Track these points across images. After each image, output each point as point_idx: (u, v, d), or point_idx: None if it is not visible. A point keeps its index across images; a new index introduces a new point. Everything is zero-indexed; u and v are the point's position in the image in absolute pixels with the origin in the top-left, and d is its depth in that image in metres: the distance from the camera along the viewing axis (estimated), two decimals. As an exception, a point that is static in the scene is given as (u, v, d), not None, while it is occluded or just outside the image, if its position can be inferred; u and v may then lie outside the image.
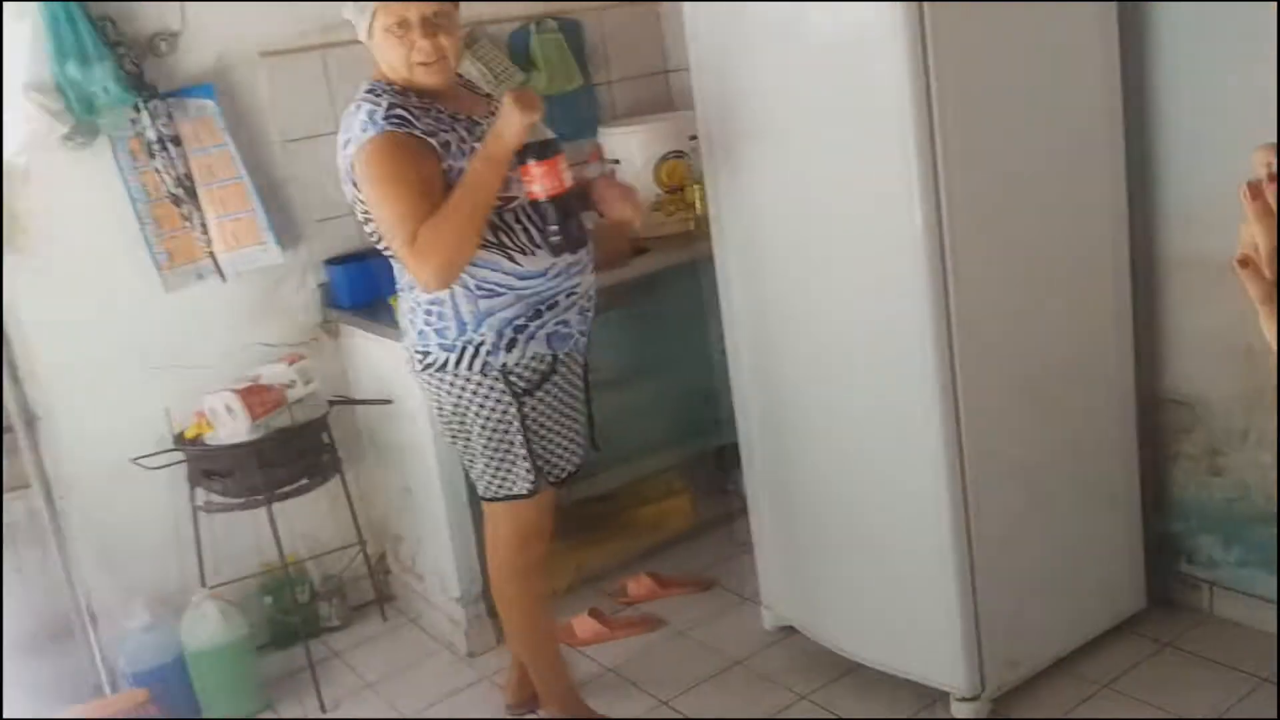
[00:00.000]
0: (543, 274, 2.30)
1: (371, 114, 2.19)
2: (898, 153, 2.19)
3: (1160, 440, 2.69)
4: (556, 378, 2.38)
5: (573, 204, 2.24)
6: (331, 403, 3.09)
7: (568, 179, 2.22)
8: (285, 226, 3.18)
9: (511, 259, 2.27)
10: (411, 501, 3.18)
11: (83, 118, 2.76)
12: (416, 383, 2.47)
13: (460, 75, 2.48)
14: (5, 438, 2.90)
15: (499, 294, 2.28)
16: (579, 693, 2.67)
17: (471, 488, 3.02)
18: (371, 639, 3.24)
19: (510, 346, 2.30)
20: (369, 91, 2.25)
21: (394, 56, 2.23)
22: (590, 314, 2.46)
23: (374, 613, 3.34)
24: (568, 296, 2.35)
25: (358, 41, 3.15)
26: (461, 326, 2.29)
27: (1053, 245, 2.43)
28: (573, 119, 3.59)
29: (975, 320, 2.29)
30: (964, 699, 2.44)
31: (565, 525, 3.52)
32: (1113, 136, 2.49)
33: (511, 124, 2.15)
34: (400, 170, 2.16)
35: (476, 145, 2.22)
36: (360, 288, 3.17)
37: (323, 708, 2.92)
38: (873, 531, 2.51)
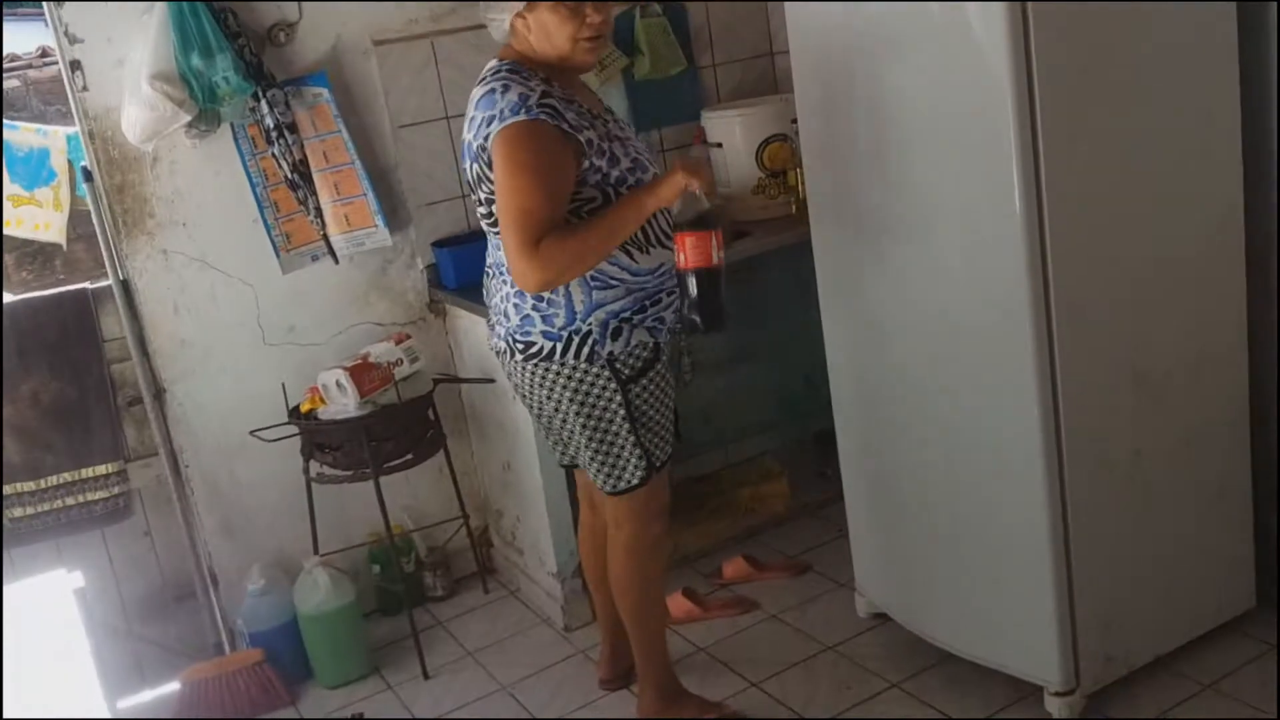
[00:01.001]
0: (653, 271, 2.31)
1: (525, 98, 2.15)
2: (1000, 134, 2.15)
3: (1274, 432, 2.60)
4: (659, 365, 2.39)
5: (718, 281, 2.18)
6: (436, 380, 3.18)
7: (717, 256, 2.17)
8: (394, 210, 3.28)
9: (630, 254, 2.28)
10: (511, 478, 3.26)
11: (205, 106, 2.89)
12: (503, 366, 2.50)
13: None
14: (134, 409, 3.08)
15: (612, 286, 2.28)
16: (675, 673, 2.70)
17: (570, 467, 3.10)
18: (473, 609, 3.35)
19: (616, 335, 2.30)
20: (512, 72, 2.21)
21: (562, 32, 2.18)
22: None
23: (476, 584, 3.45)
24: (669, 294, 2.35)
25: (465, 29, 3.27)
26: (571, 316, 2.29)
27: (1163, 233, 2.35)
28: (676, 103, 3.61)
29: (1078, 307, 2.25)
30: (1058, 693, 2.41)
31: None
32: (1229, 125, 2.40)
33: (673, 185, 2.17)
34: (542, 162, 2.15)
35: (607, 145, 2.23)
36: (465, 269, 3.25)
37: (425, 673, 3.02)
38: (970, 520, 2.49)
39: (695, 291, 2.17)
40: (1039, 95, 2.12)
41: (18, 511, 2.93)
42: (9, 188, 3.67)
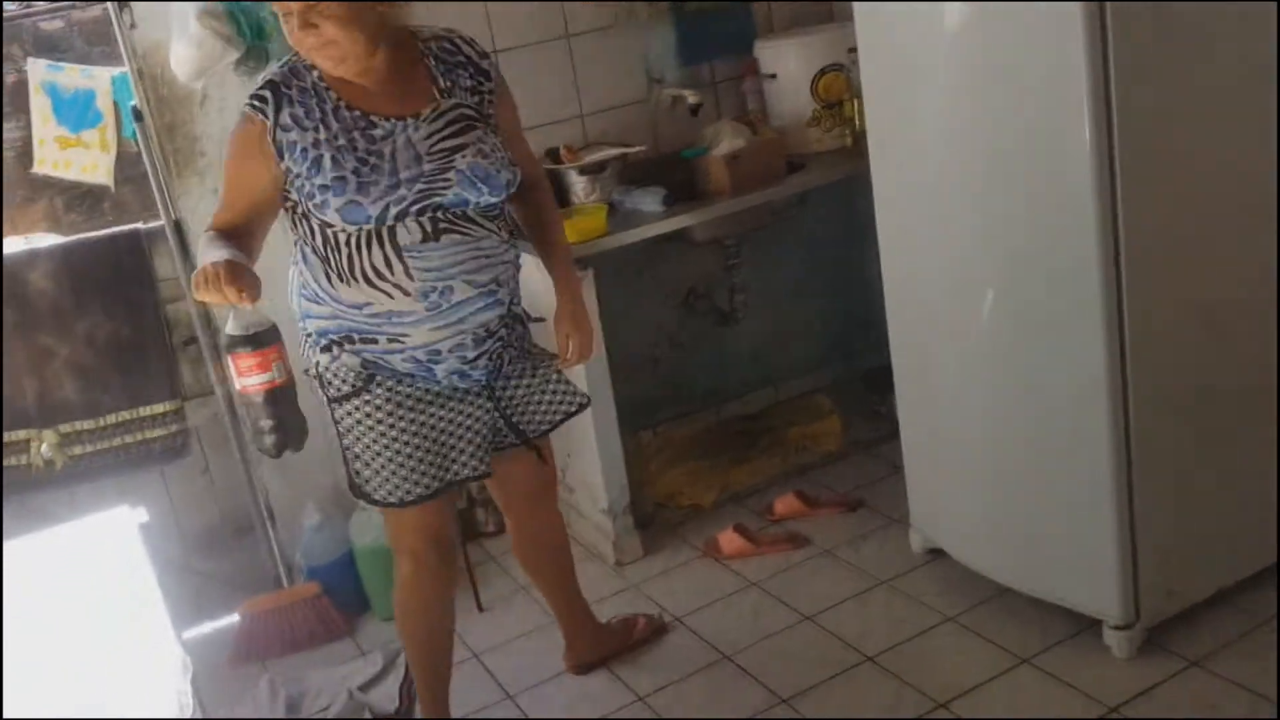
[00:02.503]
0: (358, 307, 2.09)
1: (256, 85, 2.08)
2: (1068, 67, 2.09)
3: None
4: (371, 397, 2.15)
5: (287, 399, 1.91)
6: (488, 318, 3.17)
7: (280, 374, 1.88)
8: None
9: (328, 277, 2.09)
10: (563, 415, 3.25)
11: (253, 43, 2.87)
12: None
13: (437, 59, 2.15)
14: (189, 349, 3.11)
15: (318, 302, 2.13)
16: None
17: (621, 405, 3.10)
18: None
19: (325, 350, 2.16)
20: (288, 62, 2.09)
21: (291, 39, 2.00)
22: (462, 364, 2.17)
23: (528, 522, 3.46)
24: (390, 341, 2.12)
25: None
26: (300, 314, 2.21)
27: (1231, 170, 2.28)
28: (729, 33, 3.54)
29: (1145, 243, 2.19)
30: (1117, 627, 2.39)
31: (713, 443, 3.59)
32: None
33: (200, 273, 1.86)
34: (231, 153, 2.10)
35: (323, 152, 2.01)
36: (515, 206, 3.22)
37: (479, 606, 3.06)
38: (1030, 454, 2.45)
39: (258, 415, 1.89)
40: (1111, 28, 2.05)
41: (77, 449, 2.98)
42: (56, 129, 3.69)
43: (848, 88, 3.35)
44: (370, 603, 3.12)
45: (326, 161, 2.02)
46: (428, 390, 2.18)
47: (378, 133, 2.05)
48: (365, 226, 2.03)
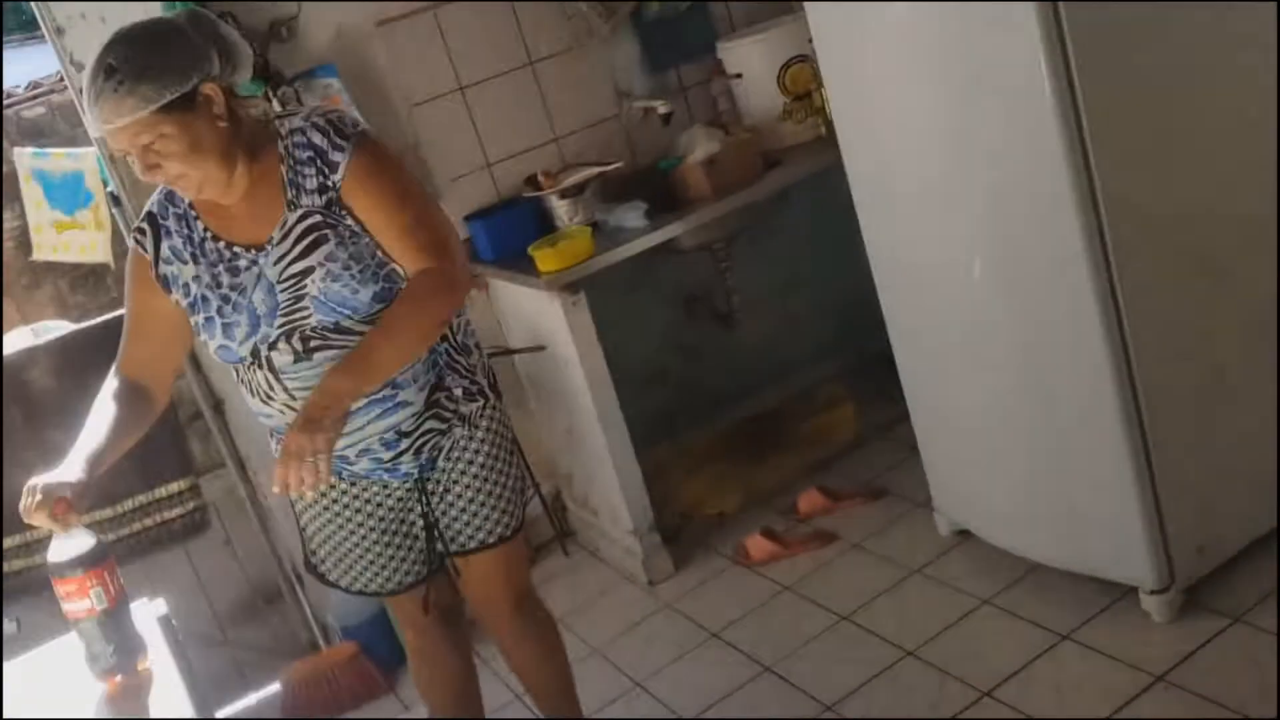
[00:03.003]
0: (268, 415, 2.02)
1: (142, 214, 1.98)
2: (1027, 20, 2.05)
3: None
4: (317, 507, 2.10)
5: (121, 620, 1.71)
6: (490, 354, 3.15)
7: (114, 591, 1.69)
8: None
9: (250, 390, 2.00)
10: (575, 441, 3.25)
11: (219, 113, 2.87)
12: None
13: (290, 160, 1.88)
14: (196, 424, 3.11)
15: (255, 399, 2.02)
16: None
17: (633, 421, 3.09)
18: (556, 575, 3.35)
19: (273, 438, 2.09)
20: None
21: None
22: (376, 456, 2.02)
23: (556, 549, 3.45)
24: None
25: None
26: None
27: (1210, 113, 2.24)
28: (690, 38, 3.51)
29: (1124, 189, 2.15)
30: (1153, 591, 2.35)
31: (731, 447, 3.57)
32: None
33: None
34: (128, 287, 1.99)
35: (221, 289, 1.90)
36: (501, 240, 3.22)
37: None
38: (1043, 425, 2.42)
39: (89, 639, 1.68)
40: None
41: (100, 538, 2.98)
42: (50, 214, 3.70)
43: (814, 77, 3.32)
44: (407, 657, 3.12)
45: (198, 299, 1.92)
46: (368, 485, 2.07)
47: (241, 263, 1.89)
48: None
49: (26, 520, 1.68)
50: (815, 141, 3.34)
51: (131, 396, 1.93)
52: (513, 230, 3.21)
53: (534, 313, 3.14)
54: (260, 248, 1.89)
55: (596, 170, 3.25)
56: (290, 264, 1.87)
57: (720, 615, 2.90)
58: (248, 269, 1.89)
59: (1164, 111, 2.19)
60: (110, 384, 1.95)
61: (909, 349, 2.73)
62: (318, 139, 1.86)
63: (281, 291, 1.88)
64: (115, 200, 3.02)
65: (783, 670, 2.62)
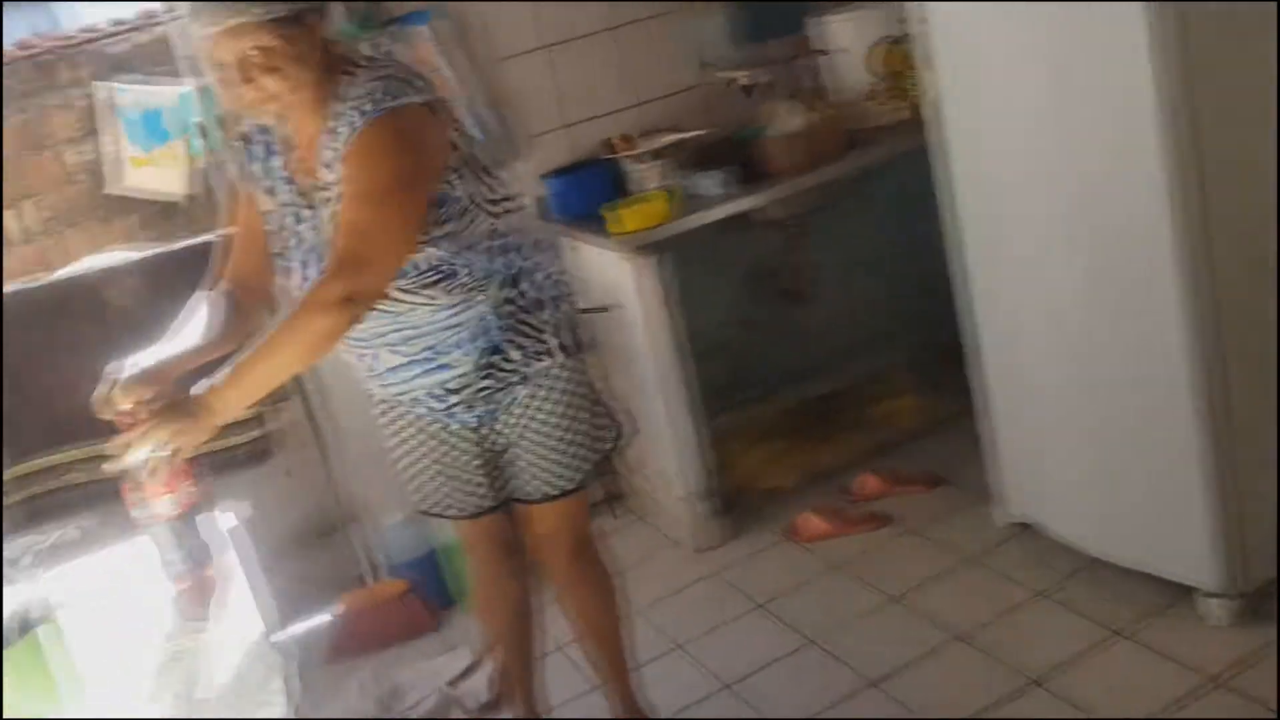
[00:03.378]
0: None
1: (238, 132, 2.01)
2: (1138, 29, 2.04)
3: None
4: (386, 419, 2.16)
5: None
6: (556, 311, 3.18)
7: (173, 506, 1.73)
8: (502, 143, 3.26)
9: None
10: (638, 404, 3.25)
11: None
12: None
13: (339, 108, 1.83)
14: (267, 355, 3.16)
15: None
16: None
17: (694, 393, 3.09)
18: (604, 536, 3.36)
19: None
20: None
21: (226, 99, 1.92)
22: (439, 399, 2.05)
23: (605, 511, 3.46)
24: (368, 371, 2.07)
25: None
26: None
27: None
28: (779, 13, 3.49)
29: (1225, 187, 2.13)
30: (1214, 595, 2.32)
31: (791, 424, 3.56)
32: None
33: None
34: (226, 201, 2.05)
35: (283, 231, 1.94)
36: (576, 199, 3.23)
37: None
38: (1115, 419, 2.40)
39: (162, 545, 1.74)
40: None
41: (164, 460, 3.04)
42: (128, 149, 3.76)
43: (904, 59, 3.29)
44: (455, 598, 3.15)
45: (274, 232, 1.96)
46: (432, 421, 2.10)
47: (304, 212, 1.91)
48: None
49: (97, 411, 1.70)
50: (901, 124, 3.31)
51: (223, 306, 1.96)
52: (589, 191, 3.23)
53: (604, 273, 3.16)
54: (310, 205, 1.90)
55: (677, 136, 3.25)
56: (320, 226, 1.88)
57: (767, 587, 2.90)
58: (305, 220, 1.91)
59: (1264, 116, 2.15)
60: (202, 294, 1.98)
61: (987, 335, 2.71)
62: (354, 114, 1.79)
63: (320, 248, 1.89)
64: (203, 131, 3.06)
65: (827, 644, 2.62)
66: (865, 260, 3.68)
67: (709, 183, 3.08)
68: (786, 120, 3.17)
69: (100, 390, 1.69)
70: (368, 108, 1.77)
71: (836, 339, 3.69)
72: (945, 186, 2.64)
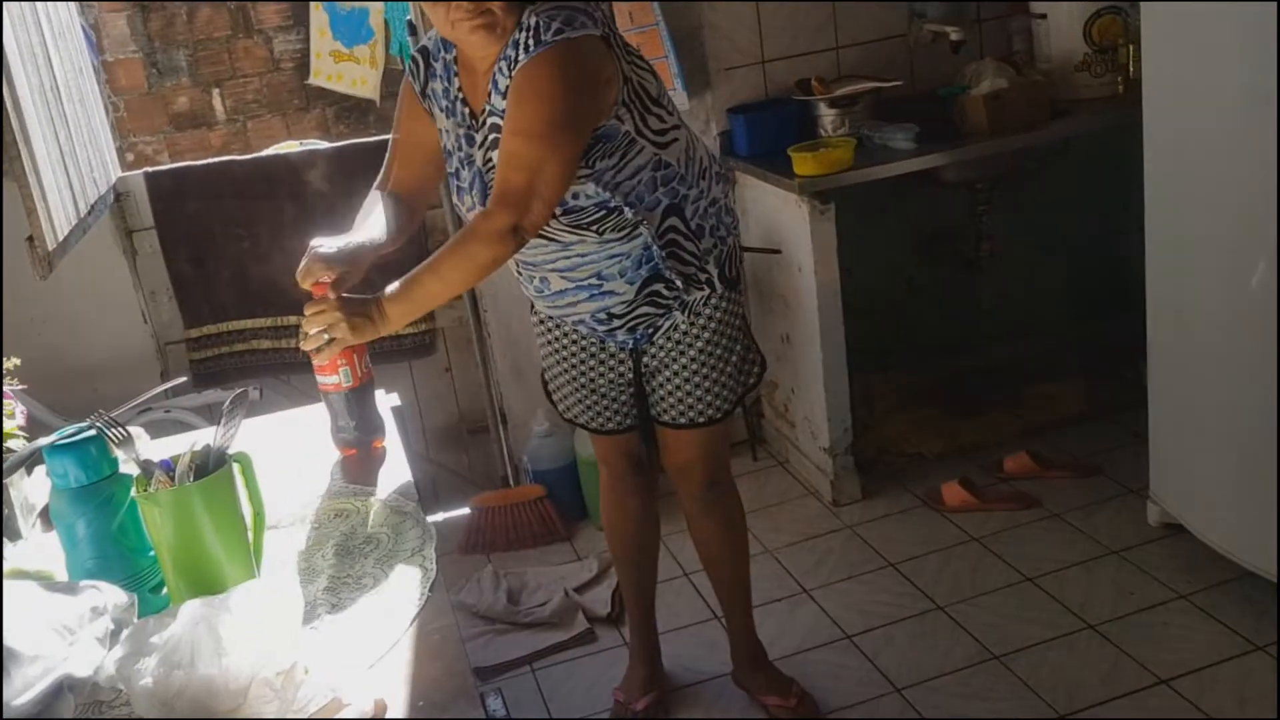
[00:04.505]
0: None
1: (418, 45, 2.03)
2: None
3: None
4: (543, 330, 2.22)
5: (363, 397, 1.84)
6: (725, 246, 3.18)
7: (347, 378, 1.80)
8: (694, 74, 3.27)
9: None
10: (790, 350, 3.26)
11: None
12: None
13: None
14: (444, 252, 3.27)
15: None
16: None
17: (851, 345, 3.07)
18: (740, 475, 3.35)
19: None
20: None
21: (434, 16, 1.83)
22: (594, 322, 2.10)
23: (745, 451, 3.49)
24: (526, 281, 2.11)
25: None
26: None
27: None
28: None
29: None
30: (1374, 628, 2.21)
31: (945, 393, 3.50)
32: None
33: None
34: (397, 113, 2.04)
35: (460, 148, 1.96)
36: (759, 137, 3.21)
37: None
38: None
39: (335, 413, 1.82)
40: None
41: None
42: (331, 44, 3.91)
43: (1124, 31, 3.15)
44: (588, 512, 3.24)
45: (447, 150, 1.99)
46: (588, 335, 2.15)
47: (475, 135, 1.94)
48: None
49: (300, 279, 1.78)
50: (1110, 99, 3.18)
51: (393, 207, 2.02)
52: (773, 130, 3.21)
53: (776, 215, 3.14)
54: (481, 129, 1.92)
55: (872, 85, 3.19)
56: (488, 152, 1.90)
57: (900, 549, 2.89)
58: (476, 144, 1.93)
59: None
60: (375, 195, 2.04)
61: (1166, 329, 2.60)
62: (530, 42, 1.78)
63: (486, 173, 1.92)
64: (411, 29, 3.15)
65: (955, 613, 2.60)
66: (1050, 236, 3.57)
67: (900, 136, 3.02)
68: (991, 80, 3.08)
69: (305, 261, 1.78)
70: (545, 37, 1.77)
71: (1005, 313, 3.60)
72: (1147, 169, 2.53)
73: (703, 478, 2.26)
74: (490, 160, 1.89)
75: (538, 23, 1.78)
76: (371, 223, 1.95)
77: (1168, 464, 2.69)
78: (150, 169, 3.11)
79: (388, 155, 2.07)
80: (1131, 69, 3.11)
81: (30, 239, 2.28)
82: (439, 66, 1.97)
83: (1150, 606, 2.51)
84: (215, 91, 4.16)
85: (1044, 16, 3.26)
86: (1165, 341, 2.62)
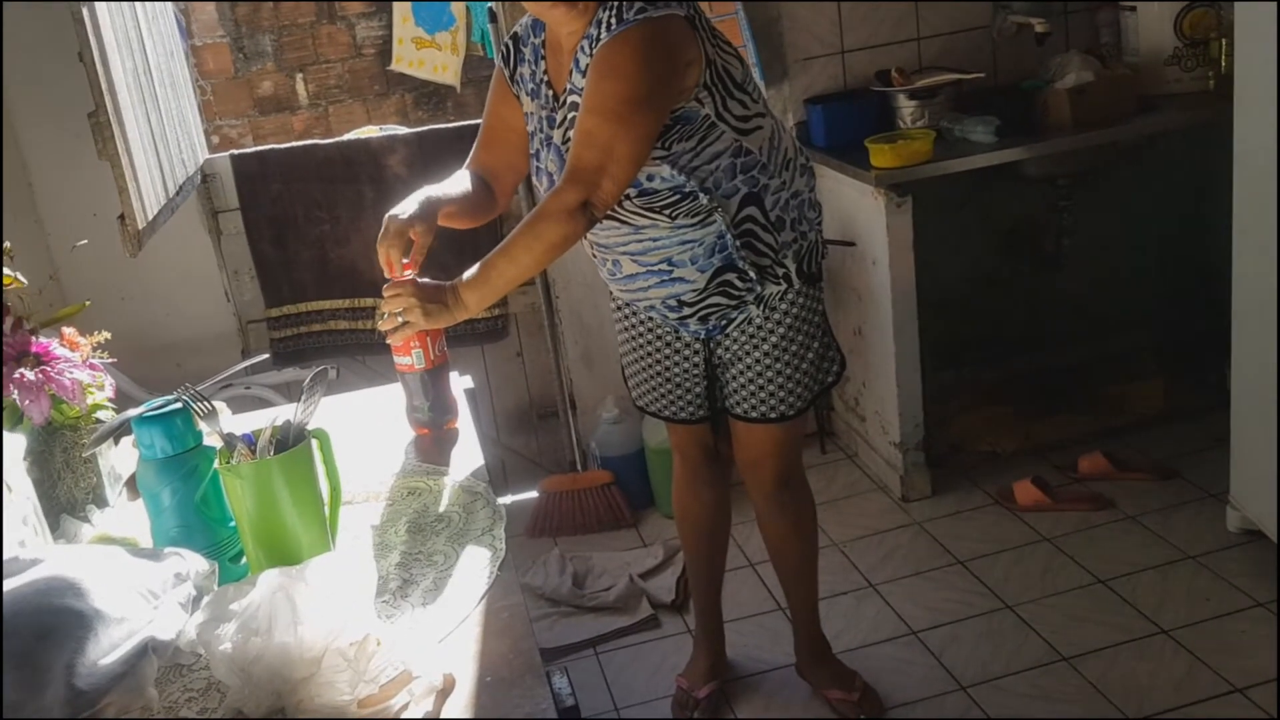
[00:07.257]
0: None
1: (509, 32, 2.05)
2: None
3: None
4: (620, 315, 2.23)
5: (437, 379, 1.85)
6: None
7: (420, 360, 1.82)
8: (771, 63, 3.26)
9: None
10: (862, 344, 3.23)
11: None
12: None
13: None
14: (518, 238, 3.30)
15: None
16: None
17: (925, 340, 3.04)
18: (808, 467, 3.33)
19: None
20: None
21: None
22: (665, 310, 2.10)
23: (814, 443, 3.47)
24: (605, 265, 2.10)
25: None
26: None
27: None
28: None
29: None
30: None
31: (1020, 391, 3.45)
32: None
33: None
34: (489, 96, 2.07)
35: (543, 129, 1.98)
36: (836, 128, 3.19)
37: (760, 521, 3.12)
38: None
39: (411, 393, 1.85)
40: None
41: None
42: (414, 30, 3.96)
43: (1217, 25, 3.06)
44: (655, 499, 3.26)
45: (531, 133, 2.01)
46: (662, 323, 2.15)
47: (556, 116, 1.95)
48: None
49: (379, 246, 1.80)
50: (1200, 94, 3.10)
51: (479, 185, 2.04)
52: (851, 121, 3.18)
53: (851, 207, 3.12)
54: (562, 109, 1.92)
55: (954, 77, 3.15)
56: (566, 131, 1.90)
57: (969, 546, 2.86)
58: (556, 125, 1.94)
59: None
60: (462, 172, 2.06)
61: (1251, 330, 2.53)
62: (612, 20, 1.79)
63: (564, 153, 1.91)
64: (492, 17, 3.18)
65: (1024, 613, 2.56)
66: (1133, 233, 3.49)
67: (981, 128, 2.98)
68: (1076, 73, 3.02)
69: (382, 233, 1.80)
70: (628, 15, 1.77)
71: (1085, 312, 3.53)
72: (1237, 168, 2.47)
73: (774, 475, 2.24)
74: (569, 140, 1.89)
75: (621, 2, 1.78)
76: (448, 183, 1.97)
77: (1249, 469, 2.62)
78: (236, 151, 3.18)
79: (477, 138, 2.10)
80: (1223, 64, 3.03)
81: (121, 217, 2.35)
82: (528, 51, 1.99)
83: (1227, 613, 2.45)
84: (299, 76, 4.24)
85: (1133, 9, 3.19)
86: (1250, 343, 2.55)
